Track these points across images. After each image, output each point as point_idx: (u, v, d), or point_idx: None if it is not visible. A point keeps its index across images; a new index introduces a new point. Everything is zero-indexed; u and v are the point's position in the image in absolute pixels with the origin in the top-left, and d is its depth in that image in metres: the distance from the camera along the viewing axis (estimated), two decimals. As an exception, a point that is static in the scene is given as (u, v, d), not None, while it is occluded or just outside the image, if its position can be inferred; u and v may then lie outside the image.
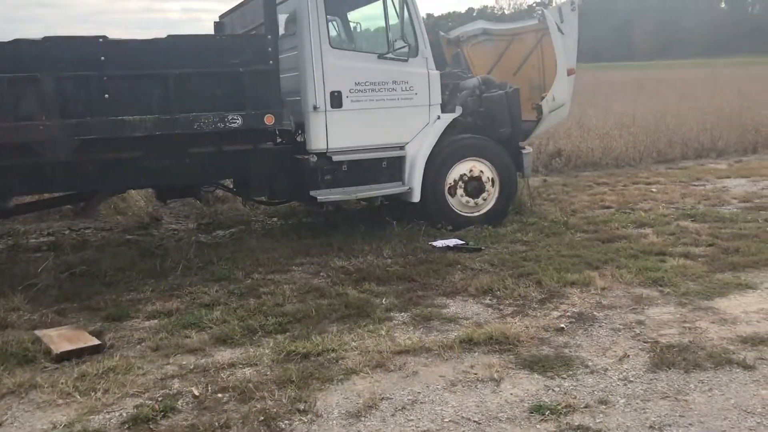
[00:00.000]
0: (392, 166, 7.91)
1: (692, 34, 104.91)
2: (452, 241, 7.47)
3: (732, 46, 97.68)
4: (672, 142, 14.18)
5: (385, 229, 7.83)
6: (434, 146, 7.96)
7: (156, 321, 5.43)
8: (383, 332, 4.93)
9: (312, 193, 7.53)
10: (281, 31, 8.16)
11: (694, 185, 10.85)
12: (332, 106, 7.47)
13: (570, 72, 8.68)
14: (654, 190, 10.47)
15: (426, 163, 7.90)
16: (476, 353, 4.53)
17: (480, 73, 9.85)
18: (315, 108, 7.40)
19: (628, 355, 4.40)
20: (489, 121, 8.56)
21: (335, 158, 7.55)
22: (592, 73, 43.42)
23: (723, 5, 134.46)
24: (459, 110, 8.22)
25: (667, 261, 6.45)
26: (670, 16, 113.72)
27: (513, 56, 9.78)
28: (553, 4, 8.40)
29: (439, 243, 7.41)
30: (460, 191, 8.12)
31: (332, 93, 7.45)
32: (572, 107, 9.60)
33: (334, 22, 8.86)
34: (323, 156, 7.54)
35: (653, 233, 7.62)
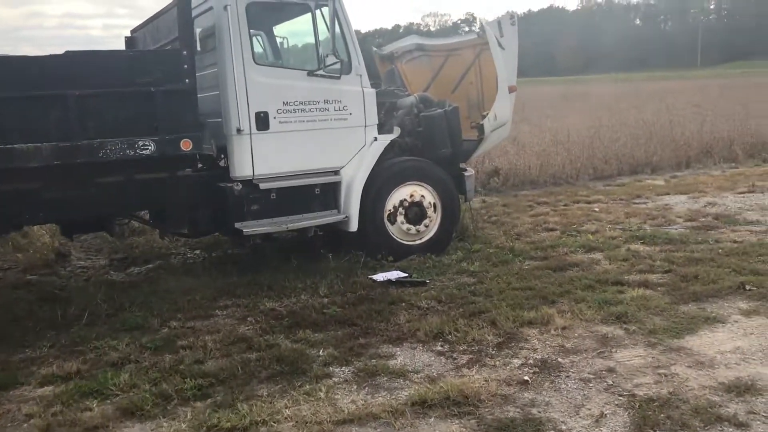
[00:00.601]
0: (326, 193, 7.24)
1: (611, 50, 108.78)
2: (394, 274, 6.85)
3: (648, 60, 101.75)
4: (607, 158, 14.01)
5: (320, 262, 7.13)
6: (372, 170, 7.34)
7: (51, 388, 4.58)
8: (322, 394, 4.23)
9: (237, 225, 6.78)
10: (199, 46, 7.43)
11: (636, 203, 10.59)
12: (258, 128, 6.76)
13: (511, 89, 8.23)
14: (596, 209, 10.14)
15: (363, 189, 7.27)
16: (432, 419, 3.89)
17: (416, 91, 9.35)
18: (238, 130, 6.67)
19: (605, 414, 3.85)
20: (428, 141, 8.01)
21: (263, 186, 6.83)
22: (520, 88, 44.00)
23: (638, 22, 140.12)
24: (397, 131, 7.64)
25: (625, 291, 5.99)
26: (588, 33, 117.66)
27: (450, 73, 9.28)
28: (479, 23, 7.92)
29: (380, 276, 6.77)
30: (400, 218, 7.52)
31: (258, 114, 6.74)
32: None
33: (259, 37, 8.18)
34: (249, 183, 6.81)
35: (605, 259, 7.20)
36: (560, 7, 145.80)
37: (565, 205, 10.67)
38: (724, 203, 10.10)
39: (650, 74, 66.32)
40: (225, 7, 6.65)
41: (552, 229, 8.96)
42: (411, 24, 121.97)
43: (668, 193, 11.31)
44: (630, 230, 8.55)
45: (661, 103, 23.42)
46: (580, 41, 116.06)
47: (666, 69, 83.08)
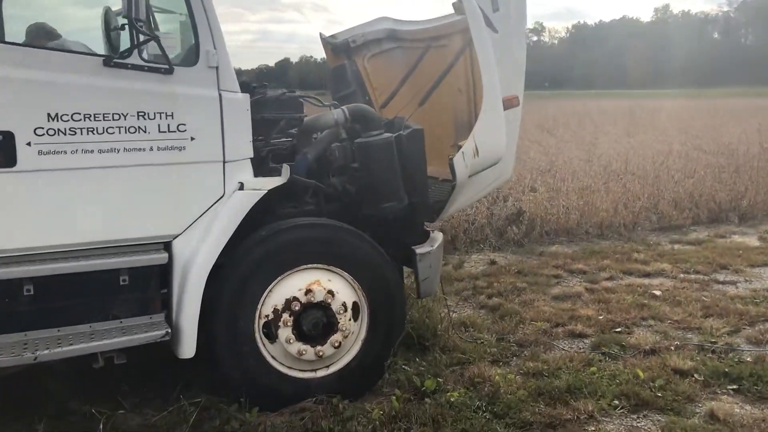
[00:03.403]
0: (141, 284, 3.91)
1: (685, 64, 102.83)
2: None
3: (726, 76, 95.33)
4: (678, 199, 10.27)
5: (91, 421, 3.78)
6: (230, 242, 3.99)
7: None
8: None
9: (-61, 348, 3.54)
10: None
11: (720, 282, 6.91)
12: (-8, 164, 3.51)
13: (508, 103, 4.78)
14: (657, 293, 6.51)
15: (213, 277, 3.93)
16: None
17: (382, 99, 6.06)
18: (-56, 167, 3.44)
19: None
20: (366, 186, 4.64)
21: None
22: (582, 101, 39.80)
23: (716, 35, 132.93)
24: (286, 173, 4.22)
25: None
26: (662, 46, 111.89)
27: (428, 73, 5.87)
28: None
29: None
30: (285, 332, 4.11)
31: (-9, 136, 3.50)
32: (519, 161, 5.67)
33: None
34: (-27, 268, 3.57)
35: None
36: (634, 17, 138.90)
37: (609, 280, 7.07)
38: None
39: (728, 90, 60.82)
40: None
41: (580, 335, 5.43)
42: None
43: (768, 264, 7.57)
44: (712, 352, 4.96)
45: (746, 123, 19.26)
46: (652, 53, 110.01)
47: (745, 86, 76.89)
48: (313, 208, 4.66)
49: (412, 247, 4.54)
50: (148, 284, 3.93)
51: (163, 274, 3.95)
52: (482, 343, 5.22)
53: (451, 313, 5.55)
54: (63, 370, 4.14)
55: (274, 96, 4.56)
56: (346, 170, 4.82)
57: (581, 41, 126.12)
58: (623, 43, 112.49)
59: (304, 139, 4.85)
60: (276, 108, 4.54)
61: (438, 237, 4.87)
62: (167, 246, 3.95)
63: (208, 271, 3.90)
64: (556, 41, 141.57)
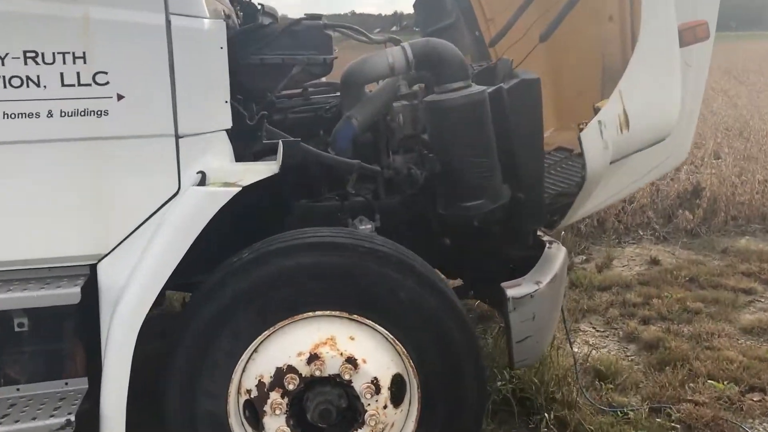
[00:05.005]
0: (48, 332, 2.43)
1: None
2: None
3: None
4: None
5: None
6: (183, 263, 2.40)
7: None
8: None
9: None
10: None
11: None
12: None
13: (691, 33, 2.75)
14: None
15: (152, 326, 2.39)
16: None
17: (491, 36, 4.36)
18: None
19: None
20: (441, 172, 2.87)
21: None
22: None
23: None
24: (279, 160, 2.50)
25: None
26: None
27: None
28: None
29: None
30: (275, 422, 2.46)
31: None
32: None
33: None
34: None
35: None
36: None
37: (831, 302, 4.82)
38: None
39: None
40: None
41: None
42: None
43: None
44: None
45: None
46: None
47: None
48: (363, 200, 2.98)
49: (501, 285, 2.70)
50: (59, 332, 2.45)
51: (72, 317, 2.44)
52: (625, 416, 3.33)
53: (578, 362, 3.67)
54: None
55: (281, 26, 2.83)
56: (414, 144, 3.08)
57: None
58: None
59: (348, 96, 3.12)
60: (285, 45, 2.82)
61: (556, 258, 2.98)
62: (92, 271, 2.44)
63: (143, 313, 2.35)
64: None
